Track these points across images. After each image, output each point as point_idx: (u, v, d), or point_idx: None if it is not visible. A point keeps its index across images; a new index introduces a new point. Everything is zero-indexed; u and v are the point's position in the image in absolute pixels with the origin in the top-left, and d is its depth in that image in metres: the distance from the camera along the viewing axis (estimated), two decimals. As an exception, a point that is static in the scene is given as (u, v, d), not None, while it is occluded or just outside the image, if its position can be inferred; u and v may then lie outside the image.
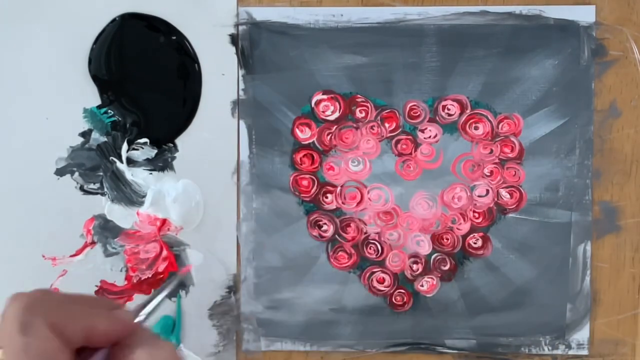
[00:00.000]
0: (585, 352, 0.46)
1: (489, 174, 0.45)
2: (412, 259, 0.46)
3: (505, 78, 0.45)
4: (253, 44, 0.45)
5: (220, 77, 0.46)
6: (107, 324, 0.33)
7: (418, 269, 0.46)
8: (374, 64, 0.45)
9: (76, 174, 0.46)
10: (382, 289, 0.46)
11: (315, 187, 0.46)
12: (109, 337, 0.33)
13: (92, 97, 0.46)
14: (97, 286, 0.46)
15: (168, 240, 0.46)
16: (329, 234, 0.46)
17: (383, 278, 0.46)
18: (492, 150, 0.45)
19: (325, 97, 0.45)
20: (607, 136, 0.45)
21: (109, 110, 0.46)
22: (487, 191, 0.45)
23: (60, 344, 0.31)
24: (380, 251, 0.46)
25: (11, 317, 0.32)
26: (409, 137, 0.45)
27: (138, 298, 0.46)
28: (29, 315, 0.32)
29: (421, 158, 0.45)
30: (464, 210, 0.46)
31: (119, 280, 0.46)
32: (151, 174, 0.46)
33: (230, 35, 0.45)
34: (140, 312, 0.34)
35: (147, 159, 0.46)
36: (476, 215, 0.46)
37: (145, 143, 0.46)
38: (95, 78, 0.46)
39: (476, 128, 0.45)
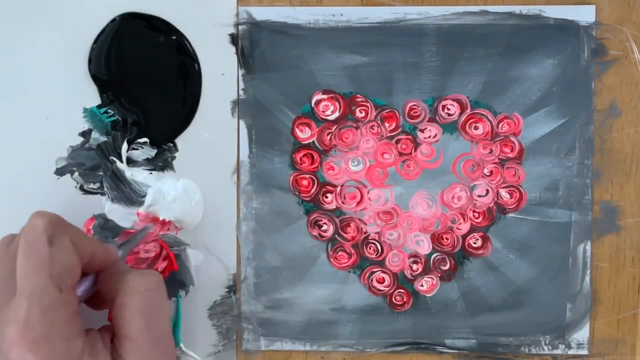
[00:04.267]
0: (585, 351, 0.46)
1: (488, 174, 0.45)
2: (412, 259, 0.46)
3: (505, 78, 0.45)
4: (253, 44, 0.45)
5: (220, 77, 0.46)
6: (103, 252, 0.37)
7: (418, 269, 0.46)
8: (374, 64, 0.45)
9: (76, 173, 0.46)
10: (382, 288, 0.46)
11: (315, 187, 0.46)
12: (102, 264, 0.38)
13: (92, 97, 0.46)
14: (97, 286, 0.46)
15: (168, 240, 0.46)
16: (329, 233, 0.46)
17: (383, 278, 0.46)
18: (492, 150, 0.45)
19: (325, 96, 0.45)
20: (607, 136, 0.45)
21: (109, 110, 0.46)
22: (487, 191, 0.45)
23: (77, 259, 0.34)
24: (380, 251, 0.46)
25: (39, 229, 0.34)
26: (409, 137, 0.45)
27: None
28: (55, 229, 0.34)
29: (421, 158, 0.45)
30: (464, 210, 0.46)
31: (119, 280, 0.46)
32: (151, 173, 0.46)
33: (230, 35, 0.45)
34: (119, 250, 0.40)
35: (147, 159, 0.46)
36: (476, 215, 0.46)
37: (145, 143, 0.46)
38: (95, 78, 0.46)
39: (476, 128, 0.45)
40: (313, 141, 0.46)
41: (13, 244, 0.36)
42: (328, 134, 0.46)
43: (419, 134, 0.45)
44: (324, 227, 0.46)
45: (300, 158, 0.46)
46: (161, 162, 0.46)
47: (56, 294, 0.33)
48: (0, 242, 0.37)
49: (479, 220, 0.46)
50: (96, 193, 0.46)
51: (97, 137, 0.46)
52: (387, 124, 0.45)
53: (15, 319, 0.32)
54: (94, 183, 0.46)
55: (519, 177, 0.45)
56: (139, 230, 0.44)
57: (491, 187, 0.45)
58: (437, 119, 0.45)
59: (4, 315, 0.33)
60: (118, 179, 0.46)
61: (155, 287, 0.37)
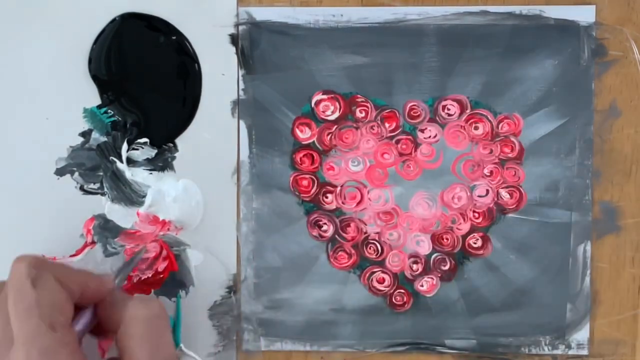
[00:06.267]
0: (585, 352, 0.46)
1: (488, 174, 0.45)
2: (412, 259, 0.46)
3: (505, 78, 0.45)
4: (253, 44, 0.45)
5: (220, 77, 0.46)
6: (96, 283, 0.37)
7: (418, 269, 0.46)
8: (374, 64, 0.45)
9: (76, 174, 0.46)
10: (382, 289, 0.46)
11: (315, 187, 0.46)
12: (97, 295, 0.37)
13: (92, 97, 0.46)
14: (97, 286, 0.46)
15: (168, 240, 0.46)
16: (329, 234, 0.46)
17: (383, 278, 0.46)
18: (492, 150, 0.45)
19: (325, 97, 0.45)
20: (607, 136, 0.45)
21: (109, 110, 0.46)
22: (487, 191, 0.45)
23: (67, 295, 0.33)
24: (380, 251, 0.46)
25: (21, 274, 0.34)
26: (409, 137, 0.45)
27: (138, 298, 0.46)
28: (38, 270, 0.34)
29: (421, 158, 0.45)
30: (464, 210, 0.46)
31: (119, 280, 0.46)
32: (151, 173, 0.46)
33: (230, 35, 0.45)
34: (115, 279, 0.40)
35: (147, 159, 0.46)
36: (476, 215, 0.46)
37: (145, 143, 0.46)
38: (95, 78, 0.46)
39: (476, 128, 0.45)
40: (313, 141, 0.46)
41: (3, 292, 0.35)
42: (328, 134, 0.46)
43: (419, 134, 0.45)
44: (324, 228, 0.46)
45: (300, 158, 0.46)
46: (161, 162, 0.46)
47: (51, 335, 0.32)
48: None
49: (479, 220, 0.46)
50: (96, 193, 0.46)
51: (97, 137, 0.46)
52: (387, 124, 0.45)
53: None
54: (94, 183, 0.46)
55: (519, 178, 0.45)
56: (134, 255, 0.44)
57: (491, 188, 0.45)
58: (437, 119, 0.45)
59: None
60: (118, 179, 0.46)
61: (158, 313, 0.37)
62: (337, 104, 0.45)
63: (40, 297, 0.33)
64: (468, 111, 0.45)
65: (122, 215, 0.46)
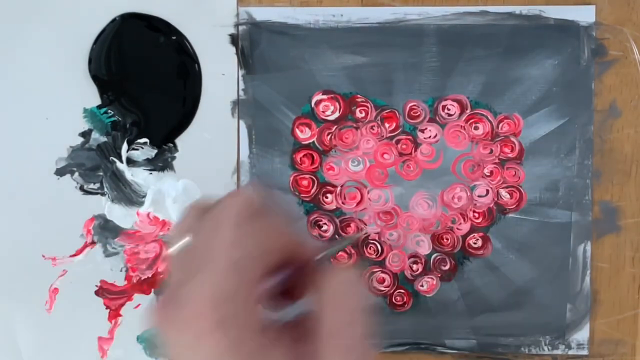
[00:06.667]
0: (585, 352, 0.46)
1: (489, 174, 0.45)
2: (412, 259, 0.46)
3: (505, 78, 0.45)
4: (253, 44, 0.45)
5: (220, 77, 0.46)
6: (306, 248, 0.33)
7: (418, 269, 0.46)
8: (374, 64, 0.45)
9: (76, 174, 0.46)
10: (382, 289, 0.46)
11: (315, 187, 0.46)
12: (301, 259, 0.34)
13: (92, 97, 0.46)
14: (97, 286, 0.46)
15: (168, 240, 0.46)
16: (329, 234, 0.46)
17: (383, 278, 0.46)
18: (492, 150, 0.45)
19: (325, 97, 0.45)
20: (607, 136, 0.45)
21: (109, 110, 0.46)
22: (487, 191, 0.45)
23: (278, 246, 0.31)
24: (380, 251, 0.46)
25: (242, 204, 0.31)
26: (409, 137, 0.45)
27: (137, 298, 0.46)
28: (260, 209, 0.31)
29: (421, 158, 0.45)
30: (464, 210, 0.46)
31: (119, 280, 0.46)
32: (151, 174, 0.46)
33: (230, 35, 0.45)
34: (320, 254, 0.36)
35: (147, 159, 0.46)
36: (476, 215, 0.46)
37: (145, 143, 0.46)
38: (95, 78, 0.46)
39: (476, 128, 0.45)
40: (313, 141, 0.46)
41: (207, 215, 0.32)
42: (328, 134, 0.46)
43: (419, 134, 0.45)
44: (324, 228, 0.46)
45: (300, 158, 0.46)
46: (161, 162, 0.46)
47: (249, 277, 0.29)
48: (191, 210, 0.33)
49: (479, 220, 0.46)
50: (96, 193, 0.46)
51: (97, 137, 0.46)
52: (387, 124, 0.45)
53: (202, 295, 0.28)
54: (94, 183, 0.46)
55: (519, 178, 0.45)
56: (350, 236, 0.44)
57: (491, 188, 0.45)
58: (437, 119, 0.45)
59: (189, 289, 0.29)
60: (118, 179, 0.46)
61: (357, 285, 0.34)
62: (337, 104, 0.45)
63: (255, 235, 0.30)
64: (468, 111, 0.45)
65: (122, 215, 0.46)
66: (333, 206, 0.46)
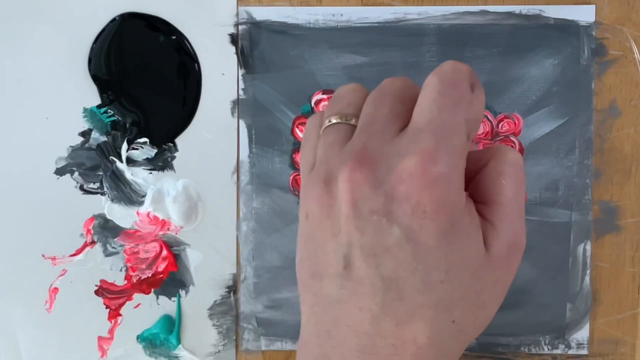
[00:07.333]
0: (585, 351, 0.46)
1: (488, 174, 0.45)
2: (412, 259, 0.46)
3: (505, 78, 0.45)
4: (253, 44, 0.45)
5: (220, 76, 0.46)
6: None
7: (418, 269, 0.46)
8: (374, 64, 0.45)
9: (76, 173, 0.46)
10: (382, 288, 0.46)
11: (315, 187, 0.46)
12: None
13: (92, 97, 0.46)
14: (96, 286, 0.46)
15: (168, 240, 0.46)
16: (329, 233, 0.46)
17: (383, 278, 0.46)
18: (492, 150, 0.45)
19: (325, 96, 0.45)
20: (607, 136, 0.45)
21: (109, 110, 0.46)
22: (487, 191, 0.45)
23: (481, 115, 0.31)
24: (380, 251, 0.46)
25: (460, 73, 0.30)
26: (409, 136, 0.45)
27: (137, 298, 0.46)
28: (475, 81, 0.30)
29: (421, 158, 0.45)
30: (464, 210, 0.46)
31: (119, 280, 0.46)
32: (151, 173, 0.46)
33: (230, 35, 0.45)
34: None
35: (147, 159, 0.46)
36: (476, 215, 0.45)
37: (145, 143, 0.46)
38: (95, 78, 0.46)
39: (476, 128, 0.45)
40: (313, 141, 0.46)
41: (396, 85, 0.31)
42: (328, 134, 0.45)
43: (419, 133, 0.45)
44: (324, 227, 0.46)
45: (300, 158, 0.46)
46: (161, 162, 0.46)
47: (464, 140, 0.29)
48: (400, 84, 0.32)
49: (479, 220, 0.45)
50: (96, 193, 0.46)
51: (97, 137, 0.46)
52: (387, 124, 0.45)
53: (418, 151, 0.27)
54: (94, 183, 0.46)
55: (519, 177, 0.45)
56: None
57: (491, 187, 0.45)
58: (437, 118, 0.45)
59: (392, 148, 0.28)
60: (118, 179, 0.46)
61: (521, 161, 0.34)
62: (337, 103, 0.45)
63: (473, 102, 0.29)
64: (468, 111, 0.45)
65: (122, 215, 0.46)
66: (333, 206, 0.46)
